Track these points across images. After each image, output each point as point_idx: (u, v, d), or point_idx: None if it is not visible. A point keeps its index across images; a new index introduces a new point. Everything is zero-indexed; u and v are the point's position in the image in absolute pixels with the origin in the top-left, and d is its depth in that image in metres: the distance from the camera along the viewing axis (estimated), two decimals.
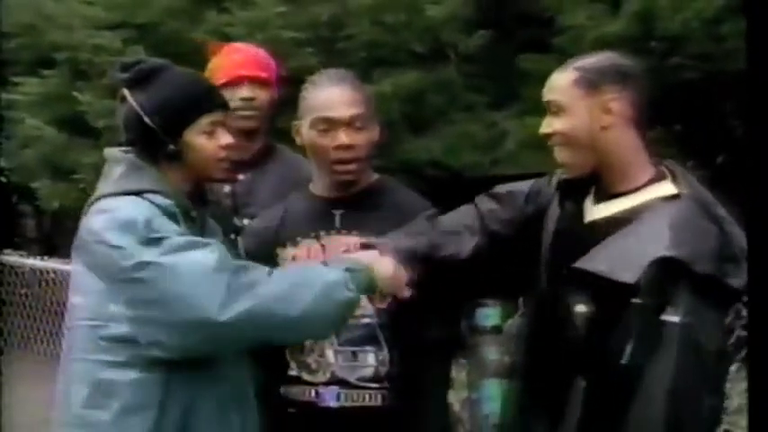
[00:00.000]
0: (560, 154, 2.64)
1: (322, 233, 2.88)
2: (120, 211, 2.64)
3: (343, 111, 2.83)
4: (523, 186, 2.89)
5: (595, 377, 2.43)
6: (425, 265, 2.72)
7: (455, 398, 3.49)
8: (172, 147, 2.72)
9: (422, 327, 2.80)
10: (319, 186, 2.95)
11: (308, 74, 6.37)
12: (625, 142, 2.60)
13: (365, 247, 2.72)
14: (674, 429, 2.34)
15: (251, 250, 2.93)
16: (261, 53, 3.47)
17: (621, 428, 2.37)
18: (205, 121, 2.74)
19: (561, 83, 2.65)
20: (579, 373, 2.48)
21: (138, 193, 2.68)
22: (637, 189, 2.60)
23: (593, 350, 2.44)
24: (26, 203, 10.23)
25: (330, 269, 2.54)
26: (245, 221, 3.17)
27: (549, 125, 2.63)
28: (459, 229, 2.82)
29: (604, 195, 2.63)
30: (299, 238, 2.90)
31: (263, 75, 3.33)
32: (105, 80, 7.00)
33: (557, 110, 2.63)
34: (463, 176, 6.92)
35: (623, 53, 2.75)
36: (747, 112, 2.37)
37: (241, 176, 3.25)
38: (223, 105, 2.81)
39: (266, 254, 2.88)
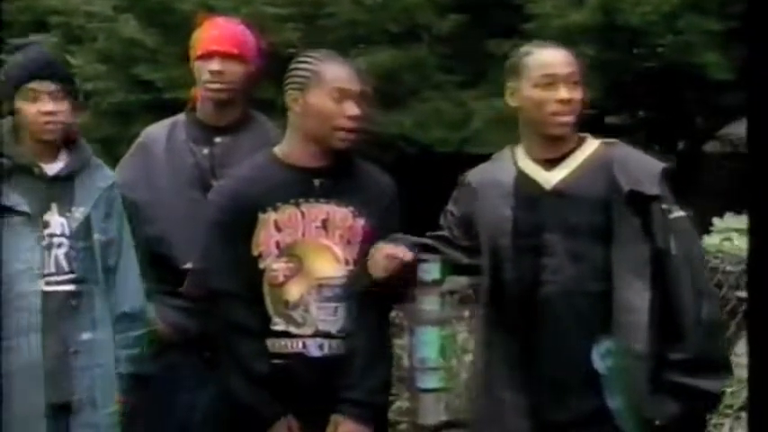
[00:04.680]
0: (568, 120, 3.05)
1: (301, 200, 3.15)
2: None
3: (357, 84, 3.16)
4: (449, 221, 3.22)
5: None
6: None
7: (397, 343, 3.83)
8: (6, 108, 3.20)
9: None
10: (296, 155, 3.20)
11: (289, 48, 6.70)
12: None
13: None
14: (707, 292, 2.96)
15: (227, 210, 3.18)
16: (238, 29, 3.64)
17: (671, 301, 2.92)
18: (29, 87, 3.18)
19: (573, 60, 3.09)
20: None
21: None
22: (573, 150, 3.10)
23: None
24: None
25: None
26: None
27: (570, 93, 3.02)
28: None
29: (547, 163, 3.07)
30: (278, 204, 3.15)
31: (234, 50, 3.51)
32: (96, 45, 7.23)
33: (577, 82, 3.05)
34: (432, 151, 7.22)
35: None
36: (747, 115, 2.64)
37: (218, 139, 3.50)
38: (50, 76, 3.19)
39: (246, 216, 3.16)
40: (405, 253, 3.03)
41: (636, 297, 2.91)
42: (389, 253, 3.03)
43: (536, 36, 6.57)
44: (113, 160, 7.91)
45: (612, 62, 6.48)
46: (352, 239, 3.12)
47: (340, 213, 3.15)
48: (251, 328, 3.11)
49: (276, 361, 3.12)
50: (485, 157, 7.71)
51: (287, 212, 3.15)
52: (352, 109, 3.11)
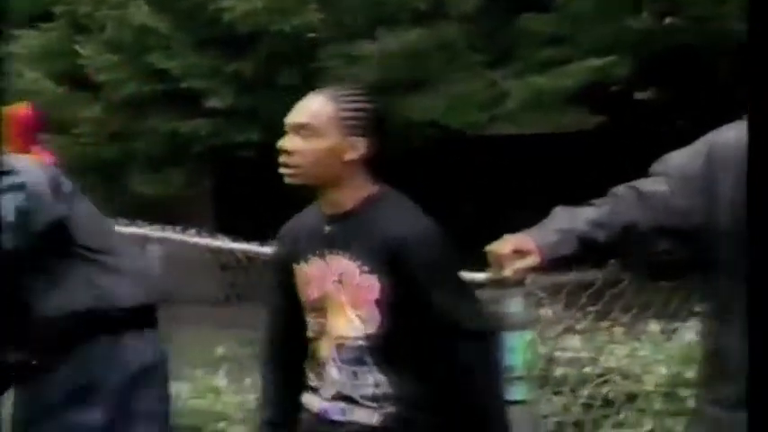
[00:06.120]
0: None
1: (325, 251, 2.83)
2: None
3: (292, 117, 2.80)
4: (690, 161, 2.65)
5: None
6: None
7: None
8: None
9: (424, 351, 2.76)
10: (322, 201, 2.92)
11: (311, 31, 6.44)
12: None
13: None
14: None
15: (279, 262, 2.93)
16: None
17: None
18: None
19: None
20: None
21: None
22: None
23: None
24: None
25: None
26: None
27: None
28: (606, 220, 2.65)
29: None
30: (310, 255, 2.84)
31: None
32: (106, 34, 6.97)
33: None
34: (463, 135, 6.95)
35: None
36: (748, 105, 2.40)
37: None
38: None
39: (285, 268, 2.90)
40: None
41: None
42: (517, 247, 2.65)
43: (568, 9, 6.31)
44: (125, 156, 7.72)
45: (644, 34, 6.18)
46: (363, 298, 2.76)
47: (350, 267, 2.78)
48: (268, 377, 2.90)
49: (305, 416, 2.86)
50: (517, 138, 7.38)
51: (315, 264, 2.82)
52: (282, 142, 2.76)
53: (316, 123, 2.73)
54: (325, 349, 2.76)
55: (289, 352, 2.84)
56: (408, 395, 2.70)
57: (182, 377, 5.24)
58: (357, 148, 2.73)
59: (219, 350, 6.27)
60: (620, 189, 2.61)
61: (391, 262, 2.67)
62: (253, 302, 5.26)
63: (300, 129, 2.73)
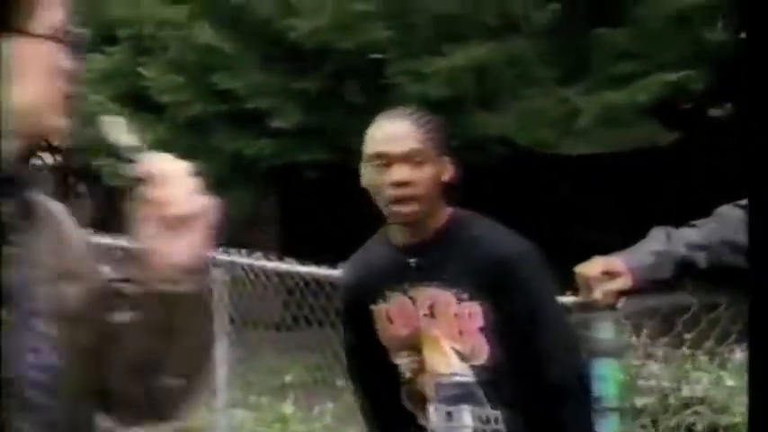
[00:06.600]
0: None
1: (406, 285, 2.66)
2: None
3: (393, 146, 2.59)
4: None
5: None
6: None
7: None
8: None
9: (532, 377, 2.59)
10: (394, 232, 2.72)
11: (378, 49, 6.31)
12: None
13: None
14: None
15: (350, 307, 2.77)
16: None
17: None
18: None
19: None
20: None
21: None
22: None
23: None
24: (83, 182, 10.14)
25: None
26: None
27: None
28: (710, 242, 2.44)
29: None
30: (387, 293, 2.66)
31: None
32: (169, 54, 6.91)
33: None
34: (533, 153, 6.76)
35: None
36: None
37: None
38: None
39: (360, 311, 2.73)
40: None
41: None
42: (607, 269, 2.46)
43: (645, 22, 6.11)
44: None
45: (718, 47, 5.96)
46: (464, 329, 2.56)
47: (443, 297, 2.58)
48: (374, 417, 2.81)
49: None
50: (588, 157, 7.16)
51: (397, 301, 2.64)
52: (394, 175, 2.53)
53: (423, 148, 2.51)
54: (426, 387, 2.59)
55: (384, 396, 2.70)
56: (521, 429, 2.51)
57: (247, 405, 5.13)
58: (449, 168, 2.56)
59: (287, 378, 6.16)
60: (725, 209, 2.42)
61: (494, 284, 2.48)
62: (321, 327, 5.15)
63: (410, 157, 2.50)
